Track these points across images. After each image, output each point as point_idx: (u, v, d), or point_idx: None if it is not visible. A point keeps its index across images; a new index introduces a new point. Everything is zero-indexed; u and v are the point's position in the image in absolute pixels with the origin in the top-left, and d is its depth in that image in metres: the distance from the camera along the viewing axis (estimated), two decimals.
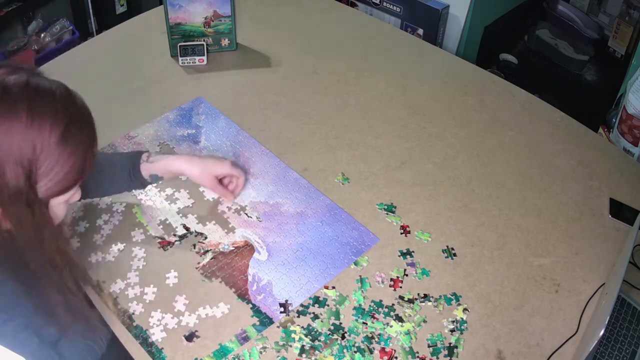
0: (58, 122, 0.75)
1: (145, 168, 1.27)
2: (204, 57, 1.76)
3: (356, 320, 1.18)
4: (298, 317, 1.18)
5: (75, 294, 0.99)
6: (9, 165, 0.72)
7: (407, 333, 1.16)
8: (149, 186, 1.37)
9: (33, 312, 0.96)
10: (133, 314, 1.17)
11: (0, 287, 0.88)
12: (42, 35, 2.68)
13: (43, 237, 0.80)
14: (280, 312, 1.18)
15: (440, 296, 1.22)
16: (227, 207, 1.37)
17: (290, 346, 1.13)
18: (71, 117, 0.77)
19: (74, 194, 0.86)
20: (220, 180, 1.34)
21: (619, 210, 1.41)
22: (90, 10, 2.82)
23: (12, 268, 0.86)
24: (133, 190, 1.36)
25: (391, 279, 1.25)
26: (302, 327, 1.16)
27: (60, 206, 0.84)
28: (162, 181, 1.33)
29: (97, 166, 0.87)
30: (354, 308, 1.20)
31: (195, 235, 1.31)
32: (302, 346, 1.13)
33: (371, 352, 1.13)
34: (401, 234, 1.34)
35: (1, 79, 0.74)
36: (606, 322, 0.99)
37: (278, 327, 1.16)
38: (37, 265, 0.84)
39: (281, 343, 1.14)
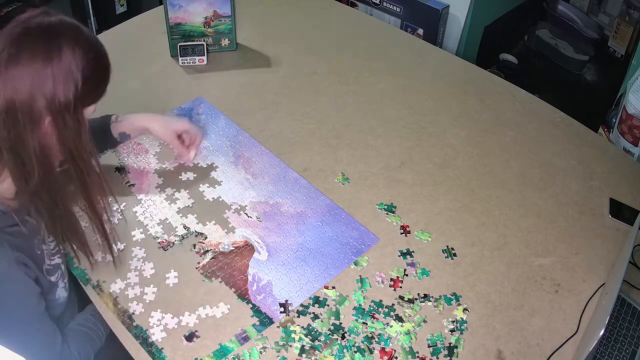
0: (92, 49, 0.99)
1: (115, 127, 1.39)
2: (204, 57, 1.76)
3: (356, 320, 1.18)
4: (298, 317, 1.18)
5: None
6: (62, 79, 0.94)
7: (407, 333, 1.16)
8: (151, 191, 1.37)
9: (39, 297, 1.05)
10: (133, 314, 1.17)
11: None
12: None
13: (82, 139, 0.99)
14: (280, 312, 1.18)
15: (440, 296, 1.22)
16: (227, 208, 1.37)
17: (290, 346, 1.13)
18: (99, 47, 1.03)
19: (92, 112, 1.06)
20: (180, 137, 1.43)
21: (619, 210, 1.41)
22: (90, 10, 2.82)
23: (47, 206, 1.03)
24: (107, 151, 1.47)
25: (391, 279, 1.25)
26: (302, 327, 1.16)
27: (86, 121, 1.03)
28: (130, 139, 1.45)
29: None
30: (354, 308, 1.20)
31: (196, 235, 1.31)
32: (302, 346, 1.13)
33: (371, 352, 1.13)
34: (401, 234, 1.34)
35: (42, 19, 0.96)
36: (606, 322, 0.99)
37: (278, 327, 1.16)
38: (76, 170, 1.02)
39: (281, 343, 1.14)
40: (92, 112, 1.05)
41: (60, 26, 0.96)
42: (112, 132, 1.39)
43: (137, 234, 1.30)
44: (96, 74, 1.01)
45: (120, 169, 1.45)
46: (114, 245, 1.19)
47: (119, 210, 1.33)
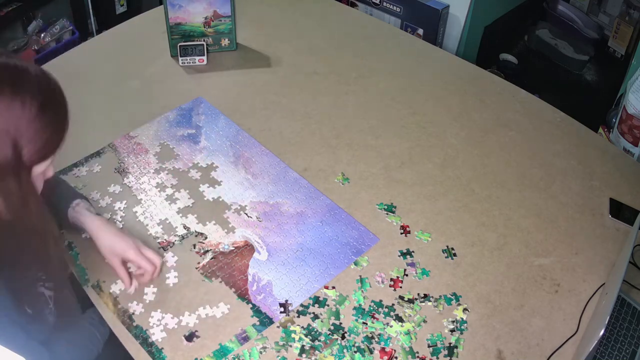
0: (37, 95, 0.83)
1: (70, 214, 1.22)
2: (204, 57, 1.76)
3: (356, 320, 1.18)
4: (298, 317, 1.18)
5: (59, 272, 1.03)
6: None
7: (407, 333, 1.16)
8: (149, 186, 1.37)
9: (17, 308, 0.98)
10: (133, 314, 1.17)
11: None
12: (42, 35, 2.68)
13: (30, 206, 0.87)
14: (280, 312, 1.18)
15: (440, 296, 1.22)
16: (228, 208, 1.37)
17: (290, 346, 1.13)
18: (47, 91, 0.87)
19: (49, 169, 0.92)
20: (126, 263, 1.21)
21: (619, 210, 1.41)
22: (90, 10, 2.82)
23: None
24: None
25: (391, 279, 1.25)
26: (302, 327, 1.16)
27: (39, 177, 0.90)
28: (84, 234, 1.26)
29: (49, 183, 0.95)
30: (354, 308, 1.20)
31: (196, 235, 1.31)
32: (302, 346, 1.13)
33: (371, 352, 1.13)
34: (401, 234, 1.34)
35: None
36: (606, 322, 0.99)
37: (278, 327, 1.16)
38: (23, 235, 0.89)
39: (281, 343, 1.14)
40: (44, 167, 0.88)
41: None
42: (67, 215, 1.22)
43: (137, 234, 1.30)
44: (43, 128, 0.85)
45: (120, 170, 1.45)
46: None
47: (121, 209, 1.32)
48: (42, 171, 0.90)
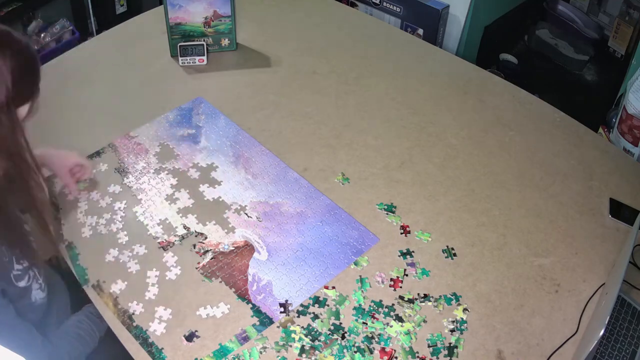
0: (21, 50, 1.01)
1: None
2: (204, 57, 1.76)
3: (356, 320, 1.18)
4: (298, 317, 1.18)
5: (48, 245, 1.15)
6: None
7: (407, 333, 1.16)
8: (149, 186, 1.37)
9: (8, 282, 1.06)
10: (133, 314, 1.17)
11: None
12: (42, 35, 2.68)
13: (18, 137, 1.02)
14: (280, 312, 1.18)
15: (440, 296, 1.22)
16: (228, 208, 1.37)
17: (290, 346, 1.13)
18: (27, 48, 1.03)
19: (28, 116, 1.07)
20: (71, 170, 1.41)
21: (619, 210, 1.41)
22: (90, 10, 2.82)
23: None
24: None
25: (391, 279, 1.25)
26: (302, 327, 1.16)
27: (22, 118, 1.05)
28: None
29: None
30: (354, 308, 1.20)
31: (196, 235, 1.31)
32: (302, 346, 1.13)
33: (371, 352, 1.13)
34: (401, 234, 1.34)
35: None
36: (606, 322, 0.99)
37: (278, 327, 1.16)
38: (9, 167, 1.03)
39: (281, 343, 1.14)
40: (27, 111, 1.06)
41: None
42: None
43: (137, 234, 1.30)
44: (26, 75, 1.02)
45: (120, 170, 1.45)
46: (58, 243, 1.22)
47: (122, 209, 1.33)
48: (25, 113, 1.05)
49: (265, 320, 1.17)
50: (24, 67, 1.01)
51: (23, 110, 1.05)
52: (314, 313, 1.19)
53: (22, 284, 1.09)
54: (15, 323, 1.07)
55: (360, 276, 1.25)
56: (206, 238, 1.31)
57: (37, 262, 1.13)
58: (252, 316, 1.18)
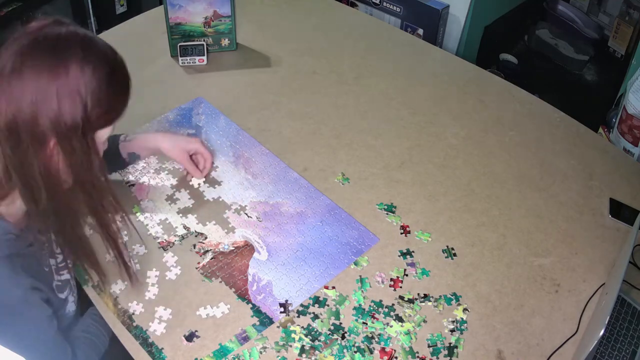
0: (104, 64, 0.91)
1: (123, 147, 1.34)
2: (204, 57, 1.77)
3: (356, 320, 1.18)
4: (298, 317, 1.18)
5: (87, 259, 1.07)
6: (68, 98, 0.86)
7: (407, 333, 1.16)
8: (149, 185, 1.36)
9: (53, 292, 1.05)
10: (133, 314, 1.17)
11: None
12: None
13: (94, 167, 0.93)
14: (280, 312, 1.18)
15: (440, 296, 1.22)
16: (228, 208, 1.37)
17: (290, 346, 1.13)
18: (114, 62, 0.94)
19: (106, 142, 0.99)
20: (191, 157, 1.40)
21: (619, 210, 1.41)
22: (90, 10, 2.82)
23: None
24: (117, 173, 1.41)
25: (391, 279, 1.25)
26: (302, 327, 1.16)
27: (101, 144, 0.97)
28: (140, 159, 1.42)
29: None
30: (354, 308, 1.20)
31: (196, 236, 1.31)
32: (302, 346, 1.13)
33: (371, 352, 1.13)
34: (401, 234, 1.34)
35: (52, 29, 0.89)
36: (606, 322, 0.99)
37: (278, 327, 1.16)
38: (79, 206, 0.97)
39: (281, 343, 1.14)
40: (107, 134, 0.97)
41: (69, 39, 0.88)
42: (120, 152, 1.34)
43: (137, 234, 1.30)
44: (109, 95, 0.92)
45: (120, 170, 1.45)
46: (130, 266, 1.12)
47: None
48: (104, 140, 0.97)
49: (265, 320, 1.17)
50: (107, 86, 0.90)
51: (102, 134, 0.94)
52: (314, 313, 1.19)
53: (62, 295, 1.08)
54: (57, 339, 1.06)
55: (360, 276, 1.25)
56: (206, 238, 1.31)
57: (104, 276, 1.10)
58: (252, 316, 1.18)
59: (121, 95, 0.97)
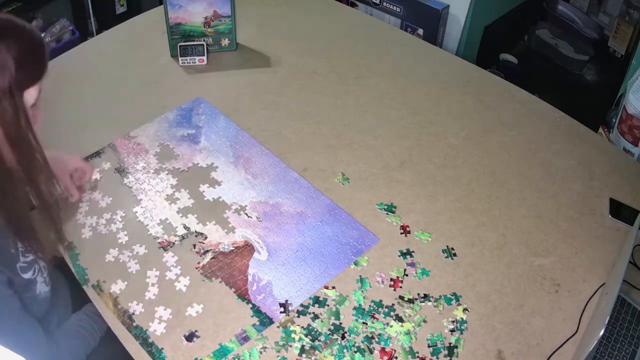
0: (24, 36, 1.03)
1: None
2: (204, 57, 1.76)
3: (356, 320, 1.18)
4: (298, 317, 1.18)
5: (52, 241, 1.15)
6: None
7: (407, 333, 1.16)
8: (149, 186, 1.37)
9: (15, 272, 1.07)
10: (133, 314, 1.17)
11: None
12: (42, 35, 2.68)
13: (21, 123, 1.00)
14: (280, 312, 1.18)
15: (440, 296, 1.22)
16: (228, 209, 1.37)
17: (290, 346, 1.13)
18: (31, 33, 1.05)
19: (37, 109, 1.06)
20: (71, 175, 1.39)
21: (619, 210, 1.41)
22: (90, 10, 2.82)
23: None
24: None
25: (391, 279, 1.25)
26: (302, 327, 1.16)
27: (30, 106, 1.04)
28: None
29: None
30: (354, 308, 1.20)
31: (196, 235, 1.31)
32: (302, 346, 1.13)
33: (371, 352, 1.13)
34: (401, 234, 1.34)
35: None
36: (606, 322, 0.99)
37: (278, 327, 1.16)
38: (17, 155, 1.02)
39: (281, 343, 1.14)
40: (35, 96, 1.04)
41: None
42: None
43: (137, 235, 1.30)
44: (31, 58, 1.02)
45: (120, 170, 1.45)
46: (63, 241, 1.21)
47: (122, 214, 1.33)
48: (33, 101, 1.04)
49: (265, 320, 1.17)
50: (28, 51, 1.01)
51: (30, 96, 1.03)
52: (314, 313, 1.19)
53: (27, 275, 1.09)
54: (21, 315, 1.07)
55: (360, 276, 1.25)
56: (206, 238, 1.31)
57: (43, 257, 1.13)
58: (252, 316, 1.18)
59: (40, 60, 1.05)
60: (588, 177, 1.49)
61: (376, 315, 1.19)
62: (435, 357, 1.13)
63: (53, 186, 1.12)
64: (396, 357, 1.13)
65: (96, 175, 1.43)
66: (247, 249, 1.29)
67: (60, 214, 1.33)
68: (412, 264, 1.28)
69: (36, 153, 1.05)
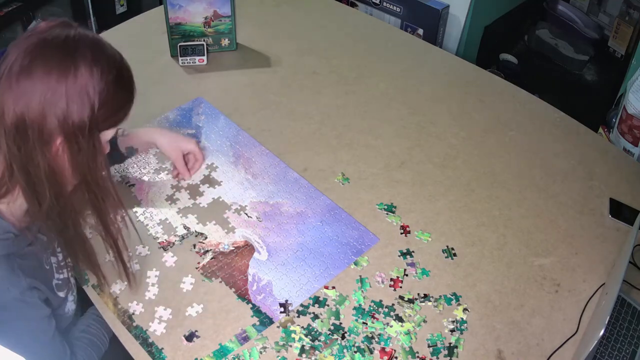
0: (112, 68, 0.93)
1: (122, 141, 1.36)
2: (204, 57, 1.77)
3: (356, 320, 1.18)
4: (298, 317, 1.18)
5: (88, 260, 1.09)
6: (77, 98, 0.88)
7: (407, 333, 1.16)
8: (149, 185, 1.36)
9: (52, 290, 1.05)
10: (133, 314, 1.17)
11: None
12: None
13: (98, 165, 0.95)
14: (280, 312, 1.18)
15: (440, 296, 1.22)
16: (228, 209, 1.37)
17: (290, 346, 1.13)
18: (121, 67, 0.97)
19: (107, 144, 1.01)
20: (184, 157, 1.41)
21: (619, 210, 1.41)
22: (90, 10, 2.82)
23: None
24: (114, 167, 1.43)
25: (391, 279, 1.25)
26: (302, 327, 1.16)
27: (105, 144, 0.99)
28: (137, 153, 1.45)
29: None
30: (354, 308, 1.20)
31: (196, 235, 1.31)
32: (302, 346, 1.13)
33: (371, 352, 1.13)
34: (401, 234, 1.34)
35: (61, 30, 0.90)
36: (606, 322, 0.99)
37: (278, 327, 1.16)
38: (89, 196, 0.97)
39: (281, 343, 1.14)
40: (111, 135, 0.99)
41: (79, 41, 0.90)
42: (118, 146, 1.35)
43: (137, 235, 1.30)
44: (116, 97, 0.94)
45: (120, 170, 1.45)
46: (129, 267, 1.13)
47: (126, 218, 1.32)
48: (107, 140, 0.99)
49: (265, 320, 1.17)
50: (114, 89, 0.92)
51: (106, 135, 0.97)
52: (314, 313, 1.19)
53: (61, 294, 1.09)
54: (55, 335, 1.06)
55: (360, 276, 1.25)
56: (206, 238, 1.31)
57: (102, 281, 1.12)
58: (252, 316, 1.18)
59: (126, 98, 0.99)
60: (588, 177, 1.49)
61: (376, 315, 1.19)
62: (435, 357, 1.13)
63: (120, 231, 1.06)
64: (396, 357, 1.13)
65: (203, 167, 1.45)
66: (247, 249, 1.29)
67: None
68: (412, 264, 1.28)
69: (110, 194, 0.99)
